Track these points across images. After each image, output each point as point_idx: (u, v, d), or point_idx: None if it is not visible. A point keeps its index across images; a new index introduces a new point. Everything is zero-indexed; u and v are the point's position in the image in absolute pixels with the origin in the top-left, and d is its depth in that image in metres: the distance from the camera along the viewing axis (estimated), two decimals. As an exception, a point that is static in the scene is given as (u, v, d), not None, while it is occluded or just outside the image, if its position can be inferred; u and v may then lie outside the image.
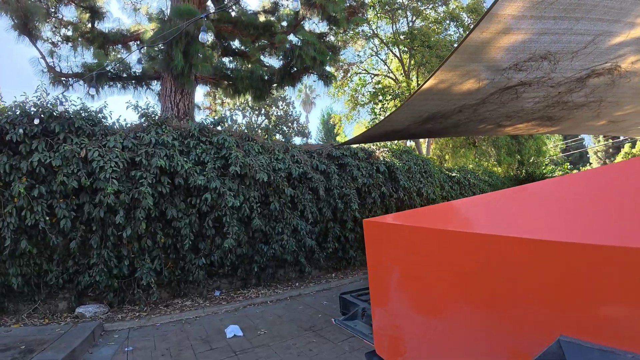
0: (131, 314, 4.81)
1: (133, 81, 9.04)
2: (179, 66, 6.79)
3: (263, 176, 5.62)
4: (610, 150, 35.13)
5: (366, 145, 8.59)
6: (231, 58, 9.80)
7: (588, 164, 36.22)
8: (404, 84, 12.91)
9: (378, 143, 9.20)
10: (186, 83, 7.66)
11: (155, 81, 9.21)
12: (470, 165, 14.06)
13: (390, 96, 12.73)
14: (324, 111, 37.38)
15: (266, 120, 25.25)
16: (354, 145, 8.05)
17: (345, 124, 16.24)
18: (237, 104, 22.41)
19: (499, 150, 16.20)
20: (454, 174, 11.70)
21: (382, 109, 12.84)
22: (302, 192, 6.42)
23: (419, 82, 12.86)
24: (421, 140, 14.66)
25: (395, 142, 10.77)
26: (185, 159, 5.28)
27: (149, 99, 10.25)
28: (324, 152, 7.23)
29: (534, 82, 3.72)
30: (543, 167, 17.08)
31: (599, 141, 36.68)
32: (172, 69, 6.98)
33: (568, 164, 20.01)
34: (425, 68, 12.91)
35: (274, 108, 26.01)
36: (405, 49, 13.82)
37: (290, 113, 26.38)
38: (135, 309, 4.94)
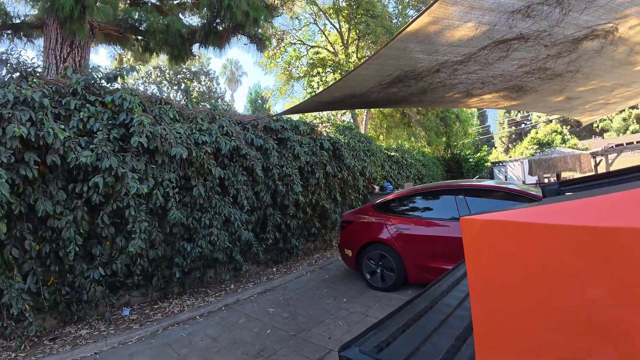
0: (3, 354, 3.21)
1: (8, 31, 6.64)
2: (66, 6, 4.89)
3: (181, 152, 4.22)
4: (513, 136, 39.47)
5: (307, 119, 7.55)
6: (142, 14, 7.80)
7: (493, 148, 40.11)
8: (343, 57, 12.02)
9: (320, 115, 8.22)
10: (77, 31, 5.71)
11: (38, 31, 6.89)
12: (407, 145, 13.98)
13: (330, 68, 11.75)
14: (251, 89, 35.07)
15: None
16: (295, 118, 6.94)
17: (278, 98, 14.92)
18: (150, 70, 19.38)
19: (428, 131, 16.51)
20: (393, 154, 11.36)
21: (320, 83, 11.83)
22: (235, 173, 5.15)
23: (359, 57, 12.10)
24: (359, 118, 14.13)
25: (339, 116, 9.90)
26: (63, 126, 3.64)
27: (29, 55, 7.82)
28: (260, 124, 6.00)
29: (533, 37, 3.09)
30: (467, 150, 17.97)
31: (503, 128, 40.95)
32: (57, 10, 5.04)
33: (486, 146, 21.51)
34: (370, 39, 12.17)
35: (195, 83, 23.31)
36: (345, 20, 12.88)
37: (214, 90, 23.92)
38: (10, 347, 3.32)
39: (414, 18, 2.65)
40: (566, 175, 15.82)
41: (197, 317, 4.08)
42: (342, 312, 3.96)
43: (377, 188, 9.09)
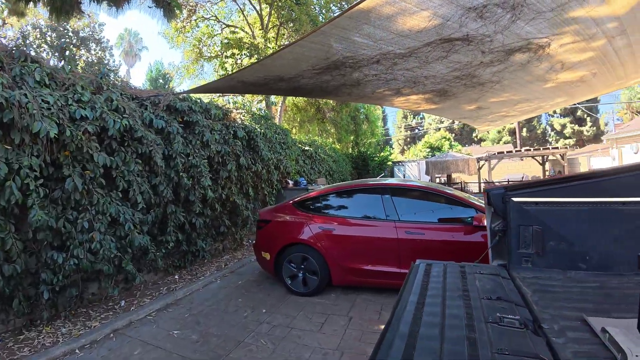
0: None
1: None
2: None
3: (49, 128, 3.13)
4: (408, 139, 43.58)
5: (220, 102, 6.72)
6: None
7: (391, 148, 43.69)
8: (262, 41, 11.20)
9: (234, 100, 7.42)
10: None
11: None
12: (319, 141, 13.94)
13: (247, 51, 10.80)
14: (152, 66, 30.92)
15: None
16: (206, 100, 6.06)
17: (185, 78, 13.26)
18: (28, 30, 15.46)
19: (339, 129, 16.85)
20: (307, 148, 11.13)
21: (235, 65, 10.81)
22: (126, 161, 4.13)
23: (279, 44, 11.42)
24: (274, 109, 13.50)
25: (256, 104, 9.18)
26: None
27: None
28: (163, 103, 4.99)
29: (476, 40, 3.10)
30: (372, 149, 18.93)
31: (400, 131, 44.89)
32: None
33: (388, 147, 23.10)
34: (293, 26, 11.53)
35: (82, 51, 19.54)
36: (266, 1, 12.01)
37: (106, 61, 20.36)
38: None
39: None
40: (456, 176, 17.92)
41: (77, 351, 3.08)
42: (264, 326, 3.45)
43: (291, 183, 8.70)
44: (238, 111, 6.91)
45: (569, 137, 33.52)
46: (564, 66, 3.89)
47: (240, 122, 6.61)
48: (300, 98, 14.89)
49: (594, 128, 32.96)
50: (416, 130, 43.23)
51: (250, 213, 6.73)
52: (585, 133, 33.04)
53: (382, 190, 4.39)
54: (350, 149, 18.04)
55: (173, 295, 4.33)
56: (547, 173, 16.78)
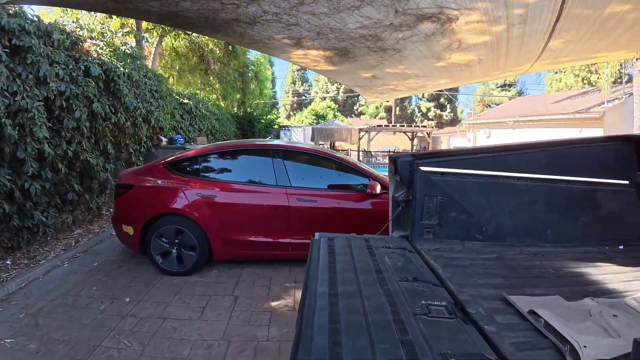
0: None
1: None
2: None
3: None
4: (295, 105, 43.70)
5: (69, 27, 5.07)
6: None
7: (278, 113, 43.52)
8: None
9: (89, 27, 5.71)
10: None
11: None
12: (201, 95, 12.44)
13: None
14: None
15: None
16: (47, 20, 4.44)
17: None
18: None
19: (225, 84, 15.46)
20: (186, 101, 9.75)
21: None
22: None
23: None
24: (147, 50, 11.25)
25: (121, 35, 7.35)
26: None
27: None
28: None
29: None
30: (259, 110, 18.08)
31: (288, 96, 44.61)
32: None
33: (275, 110, 22.59)
34: None
35: None
36: None
37: None
38: None
39: None
40: (339, 144, 18.70)
41: None
42: (128, 321, 2.71)
43: (164, 140, 7.45)
44: (94, 41, 5.35)
45: (432, 120, 38.86)
46: (460, 46, 4.03)
47: (96, 55, 5.12)
48: (181, 42, 12.88)
49: (452, 114, 39.05)
50: (303, 97, 43.63)
51: (111, 175, 5.45)
52: (444, 117, 38.83)
53: (273, 153, 3.93)
54: (236, 108, 16.82)
55: (3, 289, 3.11)
56: (414, 147, 19.03)
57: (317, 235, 2.14)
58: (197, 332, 2.57)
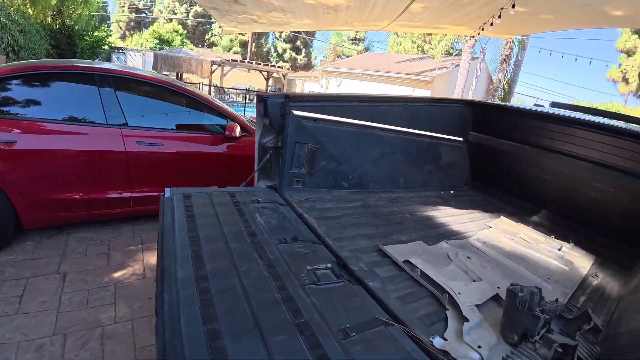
0: None
1: None
2: None
3: None
4: (132, 23, 36.12)
5: None
6: None
7: (110, 30, 35.44)
8: None
9: None
10: None
11: None
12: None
13: None
14: None
15: None
16: None
17: None
18: None
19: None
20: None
21: None
22: None
23: None
24: None
25: None
26: None
27: None
28: None
29: None
30: (83, 24, 14.04)
31: (123, 11, 36.45)
32: None
33: (105, 26, 18.11)
34: None
35: None
36: None
37: None
38: None
39: None
40: (187, 76, 16.59)
41: None
42: None
43: None
44: None
45: (287, 62, 38.69)
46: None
47: None
48: None
49: (307, 59, 39.56)
50: (143, 15, 36.36)
51: None
52: (299, 61, 39.08)
53: (101, 80, 2.91)
54: (50, 19, 12.48)
55: None
56: (269, 88, 18.67)
57: (167, 191, 1.70)
58: (19, 331, 1.83)
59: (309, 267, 1.19)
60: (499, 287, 1.32)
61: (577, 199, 2.37)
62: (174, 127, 3.17)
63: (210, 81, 15.70)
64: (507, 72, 11.91)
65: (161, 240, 1.30)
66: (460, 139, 2.93)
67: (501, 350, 0.98)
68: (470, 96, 10.46)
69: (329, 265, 1.24)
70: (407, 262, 1.40)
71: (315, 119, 2.17)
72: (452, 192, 2.83)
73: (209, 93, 14.03)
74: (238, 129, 3.20)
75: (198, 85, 14.64)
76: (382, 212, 2.07)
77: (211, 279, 1.05)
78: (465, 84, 10.07)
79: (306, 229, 1.58)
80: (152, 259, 2.66)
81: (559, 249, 1.95)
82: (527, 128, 2.61)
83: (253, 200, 1.79)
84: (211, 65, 15.04)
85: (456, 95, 9.72)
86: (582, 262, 1.84)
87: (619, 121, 2.61)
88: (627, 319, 1.20)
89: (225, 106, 3.59)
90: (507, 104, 3.94)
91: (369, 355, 0.85)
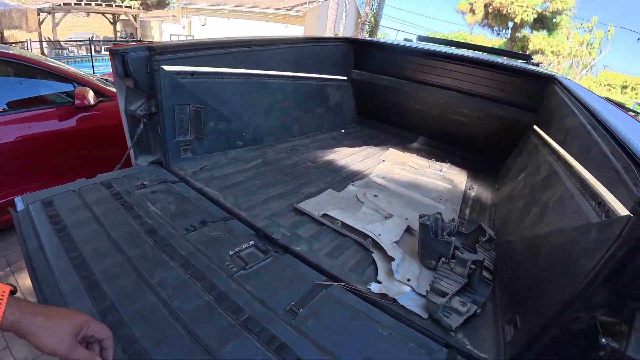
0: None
1: None
2: None
3: None
4: None
5: None
6: None
7: None
8: None
9: None
10: None
11: None
12: None
13: None
14: None
15: None
16: None
17: None
18: None
19: None
20: None
21: None
22: None
23: None
24: None
25: None
26: None
27: None
28: None
29: None
30: None
31: None
32: None
33: None
34: None
35: None
36: None
37: None
38: None
39: None
40: (10, 34, 12.52)
41: None
42: None
43: None
44: None
45: (135, 0, 32.58)
46: None
47: None
48: None
49: (156, -6, 33.89)
50: None
51: None
52: (148, -2, 33.35)
53: None
54: None
55: None
56: (118, 35, 15.67)
57: (19, 202, 1.25)
58: None
59: (231, 252, 1.08)
60: (407, 218, 1.45)
61: (448, 124, 2.70)
62: (5, 108, 2.39)
63: (40, 35, 12.13)
64: (372, 5, 12.37)
65: (33, 276, 0.93)
66: (345, 78, 2.97)
67: (426, 278, 1.10)
68: (341, 31, 10.63)
69: (251, 242, 1.15)
70: (325, 215, 1.40)
71: (192, 73, 1.86)
72: (342, 131, 2.92)
73: (42, 52, 10.86)
74: (91, 95, 2.56)
75: (24, 43, 11.12)
76: (285, 165, 2.01)
77: (120, 308, 0.83)
78: (336, 18, 10.14)
79: (212, 205, 1.41)
80: (28, 280, 2.12)
81: (440, 170, 2.24)
82: (403, 63, 2.77)
83: (138, 185, 1.48)
84: (38, 15, 11.55)
85: (328, 30, 9.75)
86: (459, 179, 2.15)
87: (480, 52, 2.99)
88: (506, 222, 1.47)
89: (67, 67, 2.82)
90: (384, 40, 4.10)
91: (321, 324, 0.85)
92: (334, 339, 0.81)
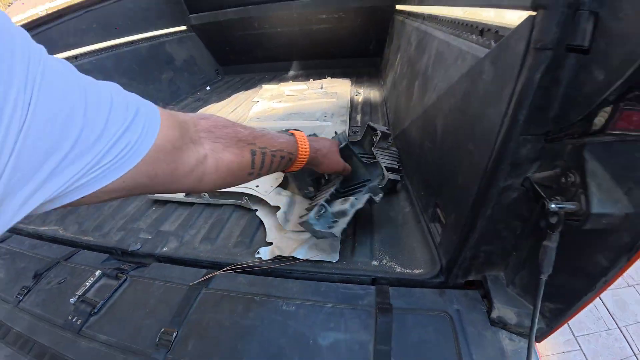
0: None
1: None
2: None
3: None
4: None
5: None
6: None
7: None
8: None
9: None
10: None
11: None
12: None
13: None
14: None
15: None
16: None
17: None
18: None
19: None
20: None
21: None
22: None
23: None
24: None
25: None
26: None
27: None
28: None
29: None
30: None
31: None
32: None
33: None
34: None
35: None
36: None
37: None
38: None
39: None
40: None
41: None
42: None
43: None
44: None
45: None
46: None
47: None
48: None
49: None
50: None
51: None
52: None
53: None
54: None
55: None
56: None
57: None
58: None
59: (72, 300, 0.75)
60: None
61: (313, 37, 2.42)
62: None
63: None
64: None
65: None
66: (184, 28, 2.47)
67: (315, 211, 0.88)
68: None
69: (97, 273, 0.81)
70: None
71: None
72: (208, 88, 2.50)
73: None
74: None
75: None
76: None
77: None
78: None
79: (50, 246, 1.01)
80: None
81: (321, 88, 2.01)
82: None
83: None
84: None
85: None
86: (343, 88, 1.95)
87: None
88: (397, 112, 1.30)
89: None
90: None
91: (207, 339, 0.62)
92: (230, 346, 0.57)
